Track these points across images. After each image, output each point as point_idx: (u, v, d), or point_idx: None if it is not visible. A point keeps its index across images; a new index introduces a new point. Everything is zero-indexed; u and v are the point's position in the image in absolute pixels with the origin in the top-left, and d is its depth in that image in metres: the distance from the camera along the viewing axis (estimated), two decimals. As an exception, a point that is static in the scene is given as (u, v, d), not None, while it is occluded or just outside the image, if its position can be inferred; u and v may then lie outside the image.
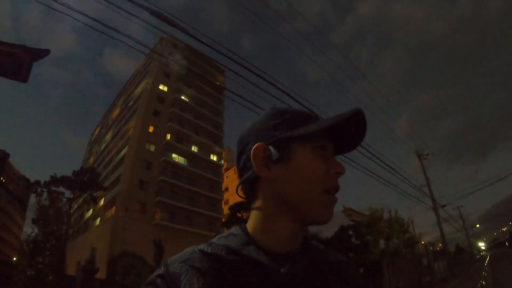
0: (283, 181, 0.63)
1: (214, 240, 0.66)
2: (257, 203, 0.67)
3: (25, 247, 22.94)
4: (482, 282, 8.01)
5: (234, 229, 0.69)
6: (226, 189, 46.61)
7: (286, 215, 0.63)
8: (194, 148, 37.39)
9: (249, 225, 0.67)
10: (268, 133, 0.65)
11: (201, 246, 0.63)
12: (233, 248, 0.61)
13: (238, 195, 0.73)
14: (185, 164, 35.12)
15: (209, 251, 0.61)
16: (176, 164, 34.13)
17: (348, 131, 0.66)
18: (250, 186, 0.68)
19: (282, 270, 0.59)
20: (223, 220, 24.29)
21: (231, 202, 28.78)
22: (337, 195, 0.67)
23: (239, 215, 17.14)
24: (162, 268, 0.60)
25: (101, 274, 14.60)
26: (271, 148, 0.64)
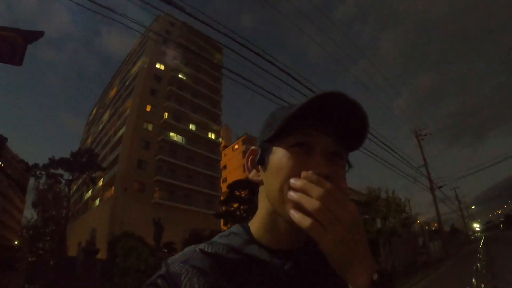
0: (265, 183, 0.64)
1: (215, 239, 0.67)
2: (259, 202, 0.68)
3: (25, 233, 22.96)
4: (477, 265, 8.12)
5: (236, 228, 0.69)
6: (224, 167, 46.81)
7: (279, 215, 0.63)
8: (192, 127, 37.20)
9: (253, 223, 0.68)
10: (260, 136, 0.67)
11: (202, 246, 0.63)
12: (235, 247, 0.63)
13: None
14: (183, 142, 35.02)
15: (210, 250, 0.62)
16: (174, 143, 34.03)
17: (342, 122, 0.58)
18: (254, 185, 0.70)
19: (285, 266, 0.61)
20: (222, 198, 24.42)
21: (230, 180, 28.84)
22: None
23: (238, 193, 17.12)
24: (162, 268, 0.60)
25: (101, 255, 14.75)
26: (259, 151, 0.66)
